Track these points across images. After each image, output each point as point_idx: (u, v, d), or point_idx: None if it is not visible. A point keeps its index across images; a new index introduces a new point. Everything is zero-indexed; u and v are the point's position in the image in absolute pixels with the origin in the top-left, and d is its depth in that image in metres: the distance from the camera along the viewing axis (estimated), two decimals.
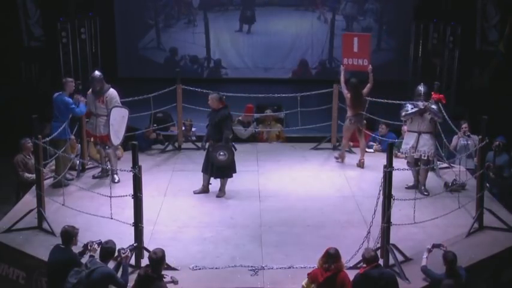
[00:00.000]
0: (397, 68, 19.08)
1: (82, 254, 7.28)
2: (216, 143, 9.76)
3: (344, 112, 12.07)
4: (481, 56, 16.95)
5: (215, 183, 10.18)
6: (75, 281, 6.81)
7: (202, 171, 10.12)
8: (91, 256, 7.13)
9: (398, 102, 10.47)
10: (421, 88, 9.94)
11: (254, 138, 12.87)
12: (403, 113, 9.93)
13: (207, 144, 10.04)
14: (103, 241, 7.09)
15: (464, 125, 11.01)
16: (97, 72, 10.51)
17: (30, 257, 8.13)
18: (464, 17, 17.14)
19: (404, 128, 10.47)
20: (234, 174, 10.06)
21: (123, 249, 7.18)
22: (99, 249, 7.05)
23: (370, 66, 11.31)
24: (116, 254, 7.09)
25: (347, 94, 11.16)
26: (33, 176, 9.48)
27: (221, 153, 9.70)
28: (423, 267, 7.58)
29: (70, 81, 10.31)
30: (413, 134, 9.89)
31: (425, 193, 9.79)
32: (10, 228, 8.73)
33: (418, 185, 10.00)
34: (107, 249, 6.97)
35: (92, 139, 10.65)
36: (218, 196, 10.04)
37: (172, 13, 19.61)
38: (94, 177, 10.59)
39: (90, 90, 10.43)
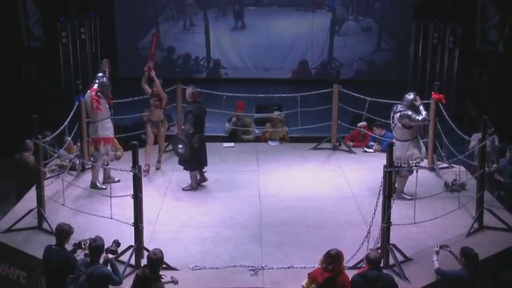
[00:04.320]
0: (397, 68, 19.11)
1: (73, 252, 7.31)
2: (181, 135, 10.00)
3: (344, 112, 12.10)
4: (481, 56, 16.96)
5: (211, 180, 10.32)
6: None
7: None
8: (86, 254, 7.21)
9: (398, 102, 10.44)
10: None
11: (235, 136, 12.74)
12: (422, 117, 9.44)
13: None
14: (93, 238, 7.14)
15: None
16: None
17: (30, 257, 8.13)
18: (464, 17, 17.16)
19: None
20: (232, 174, 10.10)
21: (111, 246, 7.20)
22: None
23: (151, 67, 10.90)
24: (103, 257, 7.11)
25: (166, 97, 10.75)
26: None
27: (180, 146, 9.87)
28: (437, 269, 7.50)
29: None
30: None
31: (408, 197, 9.46)
32: (10, 228, 8.74)
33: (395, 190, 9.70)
34: (96, 247, 6.99)
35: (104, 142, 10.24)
36: (183, 189, 10.19)
37: (172, 13, 19.61)
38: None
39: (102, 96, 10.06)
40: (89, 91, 10.10)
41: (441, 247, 7.71)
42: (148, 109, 12.09)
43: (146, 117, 11.83)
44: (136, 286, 6.85)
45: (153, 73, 10.79)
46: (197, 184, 10.30)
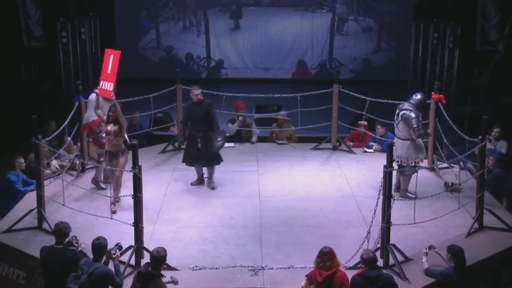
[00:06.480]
0: (397, 68, 19.12)
1: None
2: (206, 133, 9.94)
3: (344, 112, 12.09)
4: (481, 56, 16.98)
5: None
6: (77, 286, 6.82)
7: (191, 164, 10.28)
8: (81, 253, 7.24)
9: (398, 102, 10.42)
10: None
11: (240, 137, 12.65)
12: (419, 133, 9.39)
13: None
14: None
15: (497, 130, 11.05)
16: None
17: (30, 257, 8.13)
18: (464, 17, 17.18)
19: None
20: (232, 174, 10.06)
21: (112, 249, 7.17)
22: (83, 243, 7.22)
23: (113, 93, 9.39)
24: (105, 257, 7.10)
25: (126, 123, 9.49)
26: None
27: (219, 139, 9.95)
28: (425, 269, 7.60)
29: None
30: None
31: (412, 196, 9.33)
32: (10, 228, 8.74)
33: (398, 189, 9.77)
34: (98, 245, 7.00)
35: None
36: (213, 188, 10.18)
37: (172, 13, 19.61)
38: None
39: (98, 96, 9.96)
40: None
41: (429, 248, 7.77)
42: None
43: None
44: (137, 282, 6.84)
45: (113, 96, 9.42)
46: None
